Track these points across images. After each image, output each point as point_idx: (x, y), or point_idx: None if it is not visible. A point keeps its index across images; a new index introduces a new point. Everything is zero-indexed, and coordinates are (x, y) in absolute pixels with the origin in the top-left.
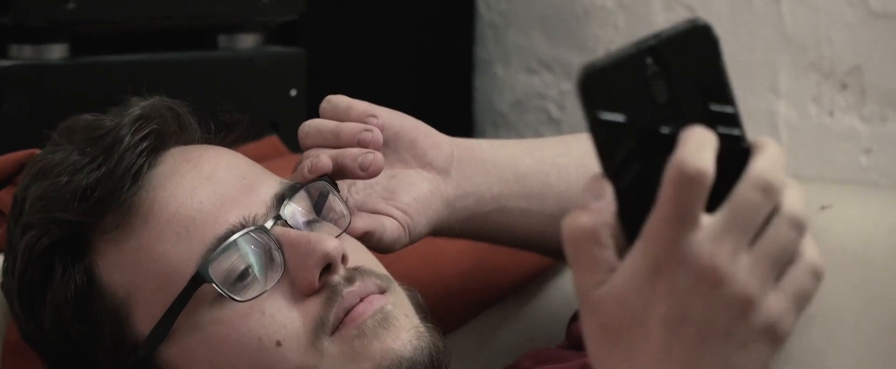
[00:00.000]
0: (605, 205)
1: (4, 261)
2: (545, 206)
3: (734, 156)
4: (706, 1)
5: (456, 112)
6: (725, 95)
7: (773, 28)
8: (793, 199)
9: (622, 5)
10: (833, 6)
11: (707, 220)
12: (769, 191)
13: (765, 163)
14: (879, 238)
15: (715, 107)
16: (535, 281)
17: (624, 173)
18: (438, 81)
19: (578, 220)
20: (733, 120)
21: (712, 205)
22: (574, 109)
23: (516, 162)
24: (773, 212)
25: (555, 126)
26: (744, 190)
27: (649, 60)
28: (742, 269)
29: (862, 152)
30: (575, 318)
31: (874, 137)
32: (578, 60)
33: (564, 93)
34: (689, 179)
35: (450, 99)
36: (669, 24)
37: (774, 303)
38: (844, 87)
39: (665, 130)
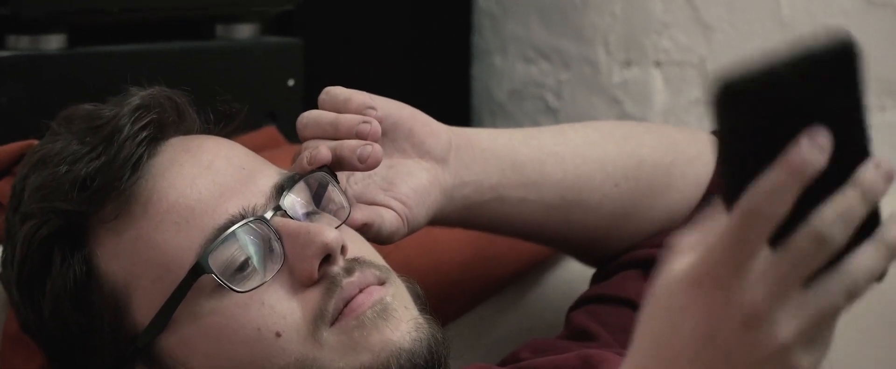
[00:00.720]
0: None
1: (3, 251)
2: (543, 195)
3: (856, 154)
4: None
5: (454, 101)
6: (859, 117)
7: (770, 16)
8: (864, 262)
9: None
10: None
11: (764, 254)
12: (823, 245)
13: (829, 213)
14: None
15: (848, 128)
16: (533, 271)
17: (745, 185)
18: (436, 71)
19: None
20: (863, 144)
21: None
22: (571, 98)
23: (514, 151)
24: (838, 263)
25: (552, 115)
26: (800, 236)
27: (788, 75)
28: (781, 316)
29: None
30: (574, 308)
31: (873, 127)
32: (576, 49)
33: (562, 83)
34: (750, 219)
35: (447, 88)
36: (814, 37)
37: (806, 355)
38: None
39: (785, 143)
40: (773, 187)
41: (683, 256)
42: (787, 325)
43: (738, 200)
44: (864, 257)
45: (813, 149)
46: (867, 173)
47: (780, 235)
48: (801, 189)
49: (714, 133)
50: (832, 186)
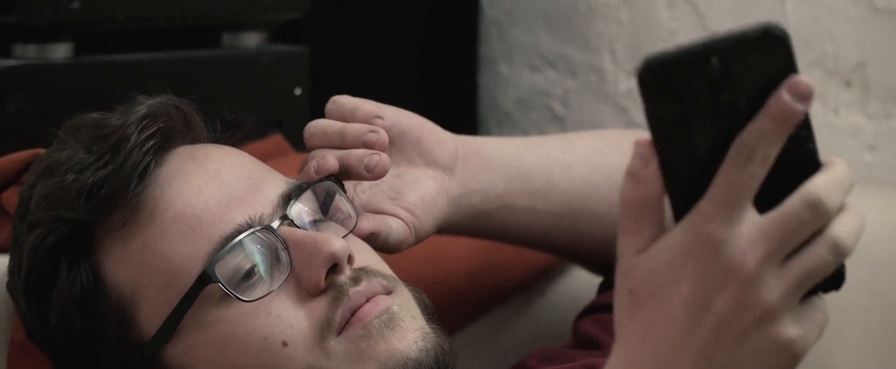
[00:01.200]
0: (651, 173)
1: (10, 260)
2: (550, 204)
3: (800, 163)
4: None
5: (460, 110)
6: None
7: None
8: (843, 225)
9: (626, 2)
10: (836, 2)
11: (752, 218)
12: (818, 210)
13: (823, 181)
14: (884, 235)
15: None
16: (540, 279)
17: (676, 158)
18: (442, 79)
19: (630, 186)
20: (802, 125)
21: (763, 209)
22: (578, 107)
23: (521, 159)
24: (819, 231)
25: (559, 123)
26: (794, 201)
27: (714, 60)
28: (770, 278)
29: (866, 149)
30: (581, 317)
31: (878, 134)
32: (583, 57)
33: (568, 91)
34: (746, 160)
35: (454, 97)
36: (739, 27)
37: (794, 323)
38: (848, 84)
39: (721, 125)
40: (760, 135)
41: (645, 248)
42: (773, 289)
43: (672, 158)
44: (848, 218)
45: (796, 97)
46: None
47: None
48: (786, 136)
49: (644, 106)
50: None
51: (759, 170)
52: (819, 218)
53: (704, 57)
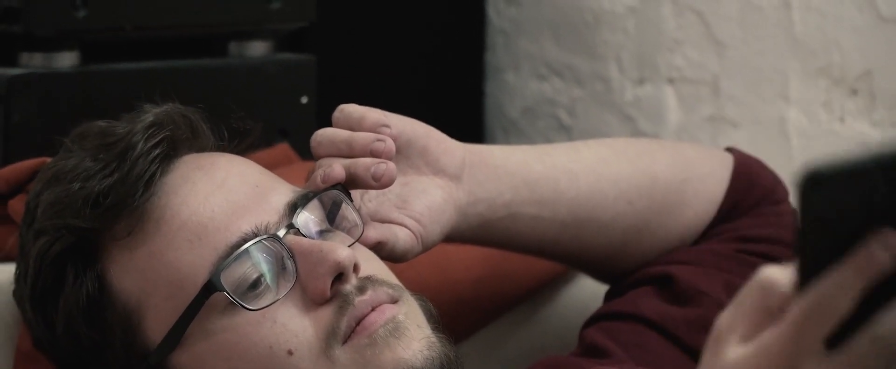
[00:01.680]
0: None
1: (17, 268)
2: (556, 213)
3: None
4: (716, 6)
5: (466, 119)
6: None
7: (782, 33)
8: None
9: (632, 11)
10: (842, 11)
11: (820, 357)
12: (883, 351)
13: (893, 320)
14: None
15: None
16: (547, 288)
17: (817, 263)
18: (449, 88)
19: (766, 274)
20: None
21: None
22: (584, 115)
23: (527, 168)
24: None
25: (565, 132)
26: (862, 340)
27: (878, 177)
28: None
29: None
30: (587, 325)
31: (886, 142)
32: (589, 66)
33: (575, 100)
34: (815, 314)
35: (460, 105)
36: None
37: None
38: (854, 92)
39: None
40: (838, 284)
41: (736, 338)
42: None
43: (812, 271)
44: None
45: (881, 250)
46: None
47: (835, 340)
48: (866, 288)
49: (797, 220)
50: (890, 292)
51: (833, 318)
52: (886, 359)
53: (871, 173)
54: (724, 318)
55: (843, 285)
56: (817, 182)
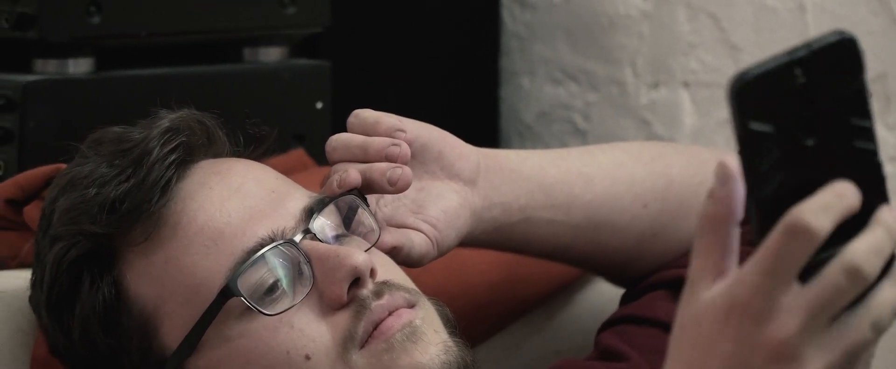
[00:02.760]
0: (728, 193)
1: (32, 274)
2: (571, 217)
3: (867, 184)
4: (730, 10)
5: (482, 123)
6: (865, 110)
7: (797, 36)
8: (883, 300)
9: (647, 15)
10: (856, 14)
11: (793, 290)
12: (857, 278)
13: (862, 248)
14: None
15: (855, 121)
16: (563, 292)
17: (765, 184)
18: (464, 93)
19: (707, 204)
20: (870, 135)
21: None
22: (599, 120)
23: (542, 172)
24: (863, 298)
25: (580, 137)
26: (833, 269)
27: (798, 71)
28: (811, 348)
29: (888, 160)
30: (603, 329)
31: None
32: (604, 70)
33: (590, 104)
34: (797, 233)
35: (475, 110)
36: (815, 36)
37: None
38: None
39: (809, 142)
40: (822, 204)
41: (708, 282)
42: (816, 360)
43: (761, 185)
44: (888, 292)
45: (851, 187)
46: (888, 214)
47: (806, 274)
48: (845, 214)
49: (736, 130)
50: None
51: (807, 249)
52: (858, 284)
53: (789, 70)
54: (694, 267)
55: (826, 208)
56: (744, 83)
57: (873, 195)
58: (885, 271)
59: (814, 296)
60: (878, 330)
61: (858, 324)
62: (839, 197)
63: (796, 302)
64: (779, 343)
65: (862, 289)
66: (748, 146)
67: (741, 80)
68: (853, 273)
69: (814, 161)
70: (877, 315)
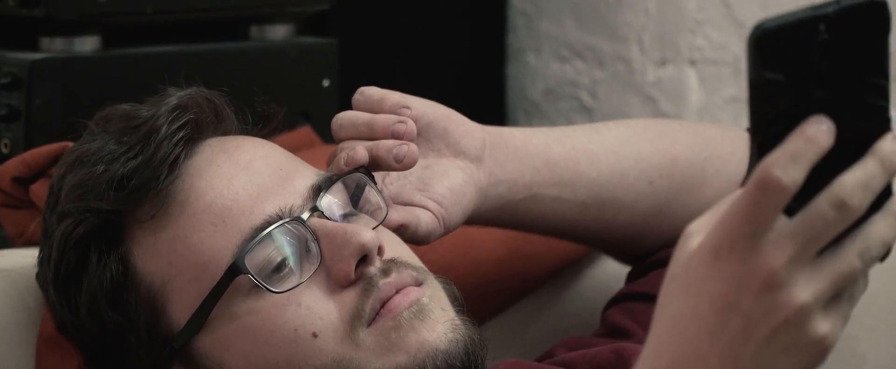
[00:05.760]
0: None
1: (40, 251)
2: (577, 194)
3: (875, 129)
4: None
5: (488, 101)
6: (883, 69)
7: None
8: (874, 232)
9: None
10: None
11: (780, 222)
12: (843, 211)
13: (850, 181)
14: None
15: (870, 78)
16: (569, 269)
17: (768, 129)
18: (470, 70)
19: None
20: (883, 92)
21: (830, 175)
22: (606, 97)
23: (548, 149)
24: (853, 230)
25: (587, 114)
26: (820, 202)
27: (822, 27)
28: (800, 279)
29: None
30: (609, 306)
31: None
32: (610, 48)
33: (596, 82)
34: (768, 188)
35: (482, 88)
36: None
37: (824, 320)
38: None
39: (820, 94)
40: (790, 154)
41: (698, 236)
42: (805, 289)
43: (765, 132)
44: (878, 225)
45: (823, 127)
46: (887, 145)
47: (796, 206)
48: (816, 158)
49: (750, 76)
50: (851, 152)
51: (780, 201)
52: (846, 218)
53: (814, 24)
54: (695, 223)
55: (794, 154)
56: (766, 32)
57: None
58: (881, 203)
59: (801, 229)
60: (866, 260)
61: (846, 254)
62: (809, 141)
63: (783, 234)
64: (767, 275)
65: (850, 222)
66: (759, 93)
67: (763, 28)
68: (839, 205)
69: (821, 111)
70: (864, 245)
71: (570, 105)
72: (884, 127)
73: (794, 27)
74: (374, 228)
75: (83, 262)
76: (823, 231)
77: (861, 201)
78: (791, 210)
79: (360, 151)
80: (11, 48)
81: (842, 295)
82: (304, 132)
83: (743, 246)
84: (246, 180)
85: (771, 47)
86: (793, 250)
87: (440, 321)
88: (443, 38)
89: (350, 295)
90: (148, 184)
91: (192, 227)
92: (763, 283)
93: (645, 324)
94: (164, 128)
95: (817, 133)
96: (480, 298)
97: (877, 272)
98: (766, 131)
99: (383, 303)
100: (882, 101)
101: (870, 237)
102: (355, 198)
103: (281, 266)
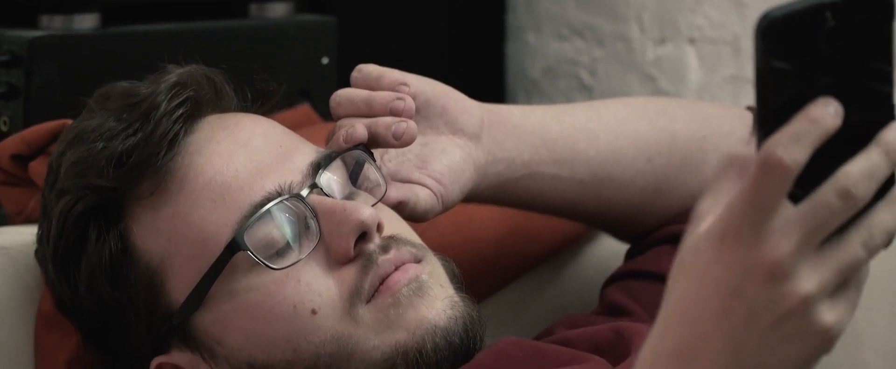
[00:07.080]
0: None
1: (39, 228)
2: (575, 172)
3: (879, 118)
4: None
5: (487, 79)
6: (888, 55)
7: None
8: (879, 221)
9: None
10: None
11: (786, 210)
12: (848, 200)
13: (855, 170)
14: None
15: (875, 64)
16: (568, 247)
17: (775, 118)
18: (470, 48)
19: (737, 152)
20: (888, 78)
21: (837, 161)
22: (605, 75)
23: (546, 127)
24: (857, 219)
25: (586, 92)
26: (825, 191)
27: (828, 14)
28: (805, 267)
29: None
30: (608, 284)
31: None
32: (610, 27)
33: (596, 60)
34: (770, 168)
35: (481, 66)
36: None
37: (830, 309)
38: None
39: (825, 80)
40: (793, 134)
41: (707, 218)
42: (809, 279)
43: (772, 121)
44: (882, 214)
45: (829, 109)
46: (892, 134)
47: (801, 194)
48: (820, 141)
49: (757, 65)
50: (855, 141)
51: (785, 182)
52: (850, 207)
53: (820, 12)
54: (704, 203)
55: (797, 136)
56: (773, 21)
57: None
58: (884, 192)
59: (805, 217)
60: (870, 249)
61: (851, 243)
62: (812, 122)
63: (788, 223)
64: (772, 263)
65: (854, 211)
66: (767, 82)
67: (770, 17)
68: (844, 194)
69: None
70: (868, 234)
71: (570, 84)
72: (888, 115)
73: (800, 15)
74: (373, 205)
75: (82, 240)
76: (828, 220)
77: (866, 190)
78: (796, 198)
79: (358, 128)
80: (11, 26)
81: (848, 284)
82: (303, 110)
83: (748, 233)
84: (245, 157)
85: (778, 36)
86: (797, 239)
87: (439, 298)
88: (442, 16)
89: (349, 272)
90: (147, 161)
91: (191, 204)
92: (768, 273)
93: (643, 302)
94: (163, 106)
95: (823, 114)
96: (479, 276)
97: (879, 268)
98: (774, 120)
99: (382, 280)
100: (887, 88)
101: (873, 226)
102: (354, 175)
103: (280, 242)
